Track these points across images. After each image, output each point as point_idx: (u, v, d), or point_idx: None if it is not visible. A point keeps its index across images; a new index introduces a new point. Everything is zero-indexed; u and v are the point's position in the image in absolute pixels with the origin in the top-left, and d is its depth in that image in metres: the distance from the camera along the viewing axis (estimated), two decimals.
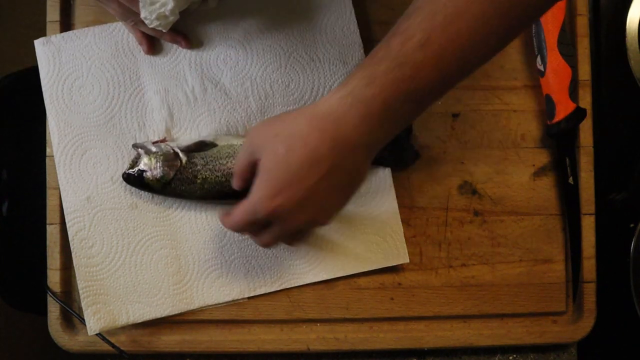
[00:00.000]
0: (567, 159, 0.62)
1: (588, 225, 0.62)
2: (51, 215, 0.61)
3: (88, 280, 0.60)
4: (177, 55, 0.61)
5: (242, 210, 0.49)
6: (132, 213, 0.60)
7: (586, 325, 0.62)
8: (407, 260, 0.61)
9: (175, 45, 0.61)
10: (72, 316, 0.62)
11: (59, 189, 0.61)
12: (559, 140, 0.61)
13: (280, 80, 0.61)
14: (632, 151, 0.69)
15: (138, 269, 0.60)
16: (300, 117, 0.46)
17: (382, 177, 0.61)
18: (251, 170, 0.49)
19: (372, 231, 0.61)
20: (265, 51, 0.61)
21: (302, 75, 0.61)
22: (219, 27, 0.61)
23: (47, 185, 0.62)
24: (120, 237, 0.60)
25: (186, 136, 0.60)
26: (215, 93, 0.61)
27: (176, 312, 0.60)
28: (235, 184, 0.52)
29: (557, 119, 0.60)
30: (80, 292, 0.60)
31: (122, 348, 0.60)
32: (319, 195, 0.46)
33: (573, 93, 0.61)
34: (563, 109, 0.60)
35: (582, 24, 0.63)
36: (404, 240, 0.61)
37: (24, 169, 0.69)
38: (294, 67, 0.61)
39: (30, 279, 0.66)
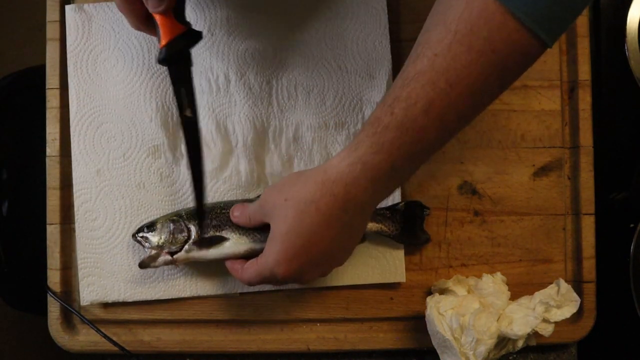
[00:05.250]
0: (184, 90, 0.52)
1: (588, 225, 0.62)
2: (51, 215, 0.61)
3: (87, 252, 0.60)
4: (206, 43, 0.61)
5: (258, 271, 0.51)
6: (139, 192, 0.60)
7: (586, 325, 0.62)
8: (404, 280, 0.61)
9: (205, 31, 0.61)
10: (72, 316, 0.62)
11: (59, 188, 0.61)
12: (170, 67, 0.51)
13: (305, 84, 0.61)
14: (632, 151, 0.69)
15: (136, 248, 0.60)
16: (310, 182, 0.48)
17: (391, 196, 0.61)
18: (260, 225, 0.54)
19: (373, 245, 0.61)
20: (295, 53, 0.61)
21: (328, 82, 0.61)
22: (253, 21, 0.61)
23: (47, 185, 0.62)
24: (123, 214, 0.60)
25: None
26: (238, 86, 0.61)
27: (167, 297, 0.60)
28: (242, 221, 0.55)
29: (163, 43, 0.50)
30: (79, 262, 0.60)
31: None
32: (331, 254, 0.50)
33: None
34: (168, 31, 0.49)
35: (582, 24, 0.63)
36: (403, 259, 0.61)
37: (24, 169, 0.69)
38: (320, 73, 0.61)
39: (30, 279, 0.66)
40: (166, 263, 0.57)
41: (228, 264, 0.55)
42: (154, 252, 0.57)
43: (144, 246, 0.57)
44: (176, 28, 0.49)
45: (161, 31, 0.49)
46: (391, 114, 0.44)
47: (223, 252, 0.56)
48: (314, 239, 0.48)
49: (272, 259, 0.49)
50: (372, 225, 0.59)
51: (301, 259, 0.49)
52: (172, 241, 0.56)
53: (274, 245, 0.49)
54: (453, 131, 0.47)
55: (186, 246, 0.56)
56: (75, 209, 0.60)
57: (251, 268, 0.52)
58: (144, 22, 0.50)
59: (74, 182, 0.61)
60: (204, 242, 0.56)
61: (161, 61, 0.50)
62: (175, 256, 0.56)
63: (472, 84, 0.43)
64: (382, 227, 0.59)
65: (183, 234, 0.56)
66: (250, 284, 0.53)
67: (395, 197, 0.61)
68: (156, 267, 0.57)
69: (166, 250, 0.56)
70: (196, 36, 0.51)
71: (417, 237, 0.61)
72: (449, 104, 0.43)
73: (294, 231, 0.48)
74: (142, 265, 0.57)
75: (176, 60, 0.50)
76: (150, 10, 0.48)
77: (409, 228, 0.60)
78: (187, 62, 0.51)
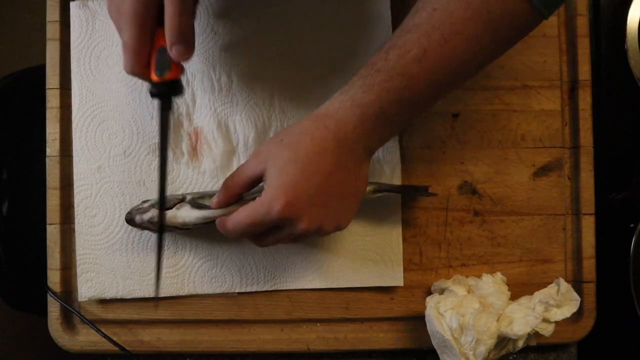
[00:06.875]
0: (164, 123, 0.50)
1: (588, 225, 0.62)
2: (51, 215, 0.61)
3: (86, 248, 0.60)
4: (209, 42, 0.61)
5: (252, 210, 0.48)
6: (139, 189, 0.60)
7: (586, 325, 0.62)
8: (401, 284, 0.61)
9: (208, 30, 0.61)
10: (72, 316, 0.62)
11: (59, 188, 0.61)
12: (164, 100, 0.50)
13: (307, 85, 0.61)
14: (632, 151, 0.69)
15: (135, 246, 0.60)
16: (304, 121, 0.49)
17: (391, 198, 0.61)
18: (251, 184, 0.50)
19: (372, 248, 0.61)
20: (298, 54, 0.61)
21: (330, 85, 0.60)
22: (256, 22, 0.61)
23: (47, 185, 0.62)
24: (123, 211, 0.60)
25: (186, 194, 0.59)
26: (241, 86, 0.61)
27: (164, 295, 0.60)
28: (229, 195, 0.52)
29: (171, 76, 0.49)
30: (77, 258, 0.60)
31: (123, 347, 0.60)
32: (329, 192, 0.48)
33: (573, 91, 0.60)
34: (176, 70, 0.49)
35: (582, 24, 0.63)
36: (402, 263, 0.61)
37: (24, 169, 0.69)
38: (323, 76, 0.61)
39: (30, 279, 0.66)
40: (153, 220, 0.55)
41: (217, 220, 0.52)
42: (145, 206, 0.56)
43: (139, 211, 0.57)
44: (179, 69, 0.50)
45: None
46: (385, 59, 0.47)
47: (214, 214, 0.53)
48: (310, 169, 0.47)
49: (269, 195, 0.47)
50: (369, 186, 0.58)
51: (298, 189, 0.47)
52: (165, 202, 0.55)
53: (271, 182, 0.48)
54: (444, 86, 0.48)
55: (177, 205, 0.55)
56: (75, 205, 0.60)
57: (243, 211, 0.49)
58: (144, 69, 0.48)
59: (75, 178, 0.61)
60: (195, 204, 0.55)
61: (163, 94, 0.49)
62: (164, 212, 0.55)
63: (465, 40, 0.45)
64: (379, 185, 0.59)
65: (177, 198, 0.56)
66: (241, 228, 0.49)
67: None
68: (142, 223, 0.56)
69: (156, 207, 0.55)
70: (181, 88, 0.50)
71: (417, 188, 0.61)
72: (441, 56, 0.45)
73: (290, 163, 0.47)
74: (129, 216, 0.56)
75: (170, 95, 0.50)
76: (175, 59, 0.47)
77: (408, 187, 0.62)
78: (171, 104, 0.51)
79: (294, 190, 0.47)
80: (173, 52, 0.46)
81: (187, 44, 0.47)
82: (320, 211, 0.48)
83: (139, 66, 0.47)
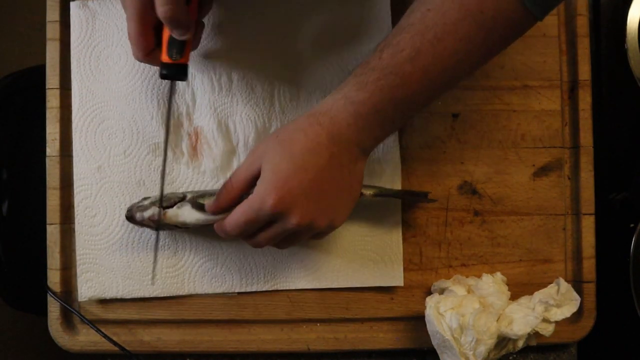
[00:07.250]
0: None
1: (588, 225, 0.62)
2: (51, 215, 0.61)
3: (86, 248, 0.60)
4: (210, 42, 0.61)
5: (247, 207, 0.49)
6: (139, 190, 0.60)
7: (586, 325, 0.62)
8: (402, 284, 0.61)
9: (208, 30, 0.61)
10: (72, 316, 0.62)
11: (59, 188, 0.61)
12: (173, 81, 0.55)
13: (307, 85, 0.61)
14: (632, 151, 0.69)
15: (135, 245, 0.60)
16: (299, 118, 0.50)
17: (391, 199, 0.61)
18: (250, 183, 0.50)
19: (372, 248, 0.61)
20: (298, 54, 0.61)
21: (330, 83, 0.61)
22: (256, 22, 0.61)
23: (47, 185, 0.62)
24: (123, 211, 0.60)
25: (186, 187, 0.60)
26: (241, 86, 0.61)
27: (165, 295, 0.60)
28: (228, 198, 0.52)
29: (183, 60, 0.52)
30: (77, 258, 0.60)
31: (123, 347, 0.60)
32: (322, 188, 0.48)
33: (573, 91, 0.60)
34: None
35: (582, 24, 0.63)
36: (402, 263, 0.61)
37: (24, 169, 0.69)
38: (322, 74, 0.61)
39: (30, 279, 0.66)
40: (153, 218, 0.55)
41: (215, 224, 0.53)
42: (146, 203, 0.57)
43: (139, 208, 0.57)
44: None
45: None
46: (379, 58, 0.47)
47: (215, 217, 0.53)
48: (303, 164, 0.48)
49: (262, 189, 0.48)
50: (369, 189, 0.58)
51: (291, 182, 0.47)
52: (165, 199, 0.56)
53: (264, 176, 0.48)
54: (438, 86, 0.49)
55: (178, 204, 0.55)
56: (76, 205, 0.60)
57: (239, 208, 0.50)
58: (147, 56, 0.52)
59: (75, 178, 0.61)
60: (196, 205, 0.55)
61: (173, 75, 0.53)
62: (165, 210, 0.55)
63: (459, 40, 0.46)
64: (380, 189, 0.58)
65: (178, 196, 0.56)
66: (236, 226, 0.50)
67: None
68: (142, 221, 0.56)
69: (157, 205, 0.56)
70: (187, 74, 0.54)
71: (417, 194, 0.61)
72: (434, 56, 0.46)
73: (284, 158, 0.48)
74: (129, 213, 0.57)
75: (179, 78, 0.54)
76: (177, 37, 0.50)
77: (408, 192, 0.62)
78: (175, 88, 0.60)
79: (286, 184, 0.47)
80: (174, 34, 0.50)
81: (183, 27, 0.49)
82: (312, 205, 0.48)
83: (142, 54, 0.51)
